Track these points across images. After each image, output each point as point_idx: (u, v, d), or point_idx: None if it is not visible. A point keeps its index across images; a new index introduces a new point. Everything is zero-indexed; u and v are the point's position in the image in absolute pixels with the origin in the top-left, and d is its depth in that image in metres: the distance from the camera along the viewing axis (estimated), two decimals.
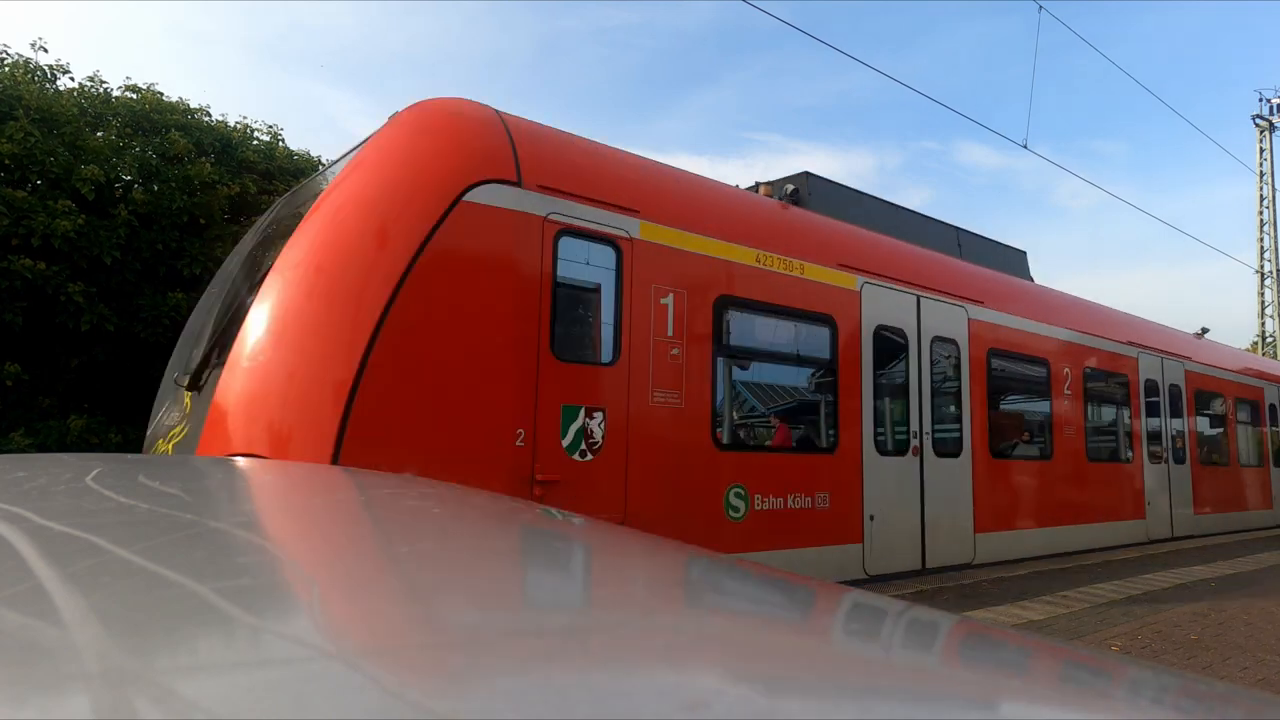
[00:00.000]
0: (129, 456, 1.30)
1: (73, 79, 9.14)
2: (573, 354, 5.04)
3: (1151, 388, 10.99)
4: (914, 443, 7.32)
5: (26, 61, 8.73)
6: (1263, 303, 29.24)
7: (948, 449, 7.69)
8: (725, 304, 5.94)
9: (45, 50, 9.51)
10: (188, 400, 4.86)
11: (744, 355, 6.35)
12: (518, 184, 4.85)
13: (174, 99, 9.57)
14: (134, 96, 9.25)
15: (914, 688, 0.48)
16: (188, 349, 5.68)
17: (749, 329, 6.32)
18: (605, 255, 5.28)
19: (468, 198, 4.61)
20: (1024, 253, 10.60)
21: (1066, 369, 9.40)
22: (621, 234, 5.33)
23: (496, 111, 5.18)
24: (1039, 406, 9.19)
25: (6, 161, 7.57)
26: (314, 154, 10.76)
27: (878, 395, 7.10)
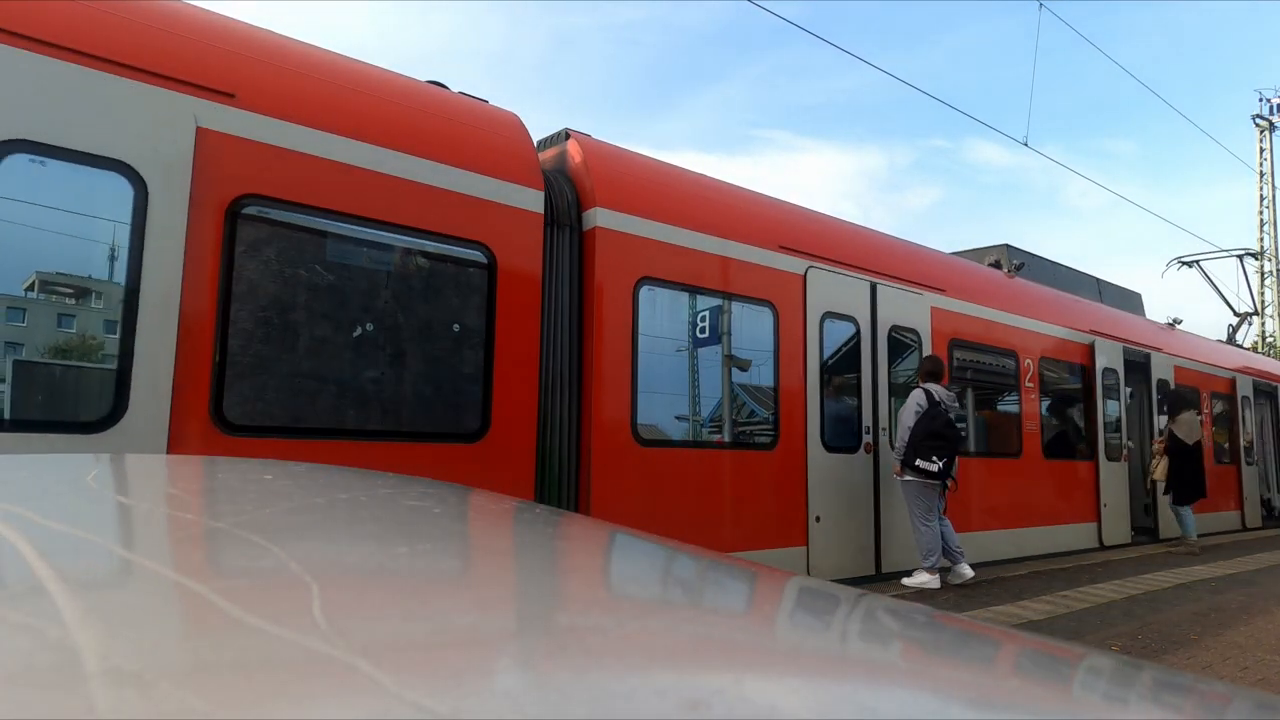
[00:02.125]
0: (129, 456, 1.30)
1: None
2: None
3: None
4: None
5: None
6: (1263, 302, 29.22)
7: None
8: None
9: None
10: None
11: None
12: None
13: None
14: None
15: (916, 687, 0.48)
16: None
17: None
18: None
19: None
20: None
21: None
22: None
23: None
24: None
25: None
26: None
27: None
